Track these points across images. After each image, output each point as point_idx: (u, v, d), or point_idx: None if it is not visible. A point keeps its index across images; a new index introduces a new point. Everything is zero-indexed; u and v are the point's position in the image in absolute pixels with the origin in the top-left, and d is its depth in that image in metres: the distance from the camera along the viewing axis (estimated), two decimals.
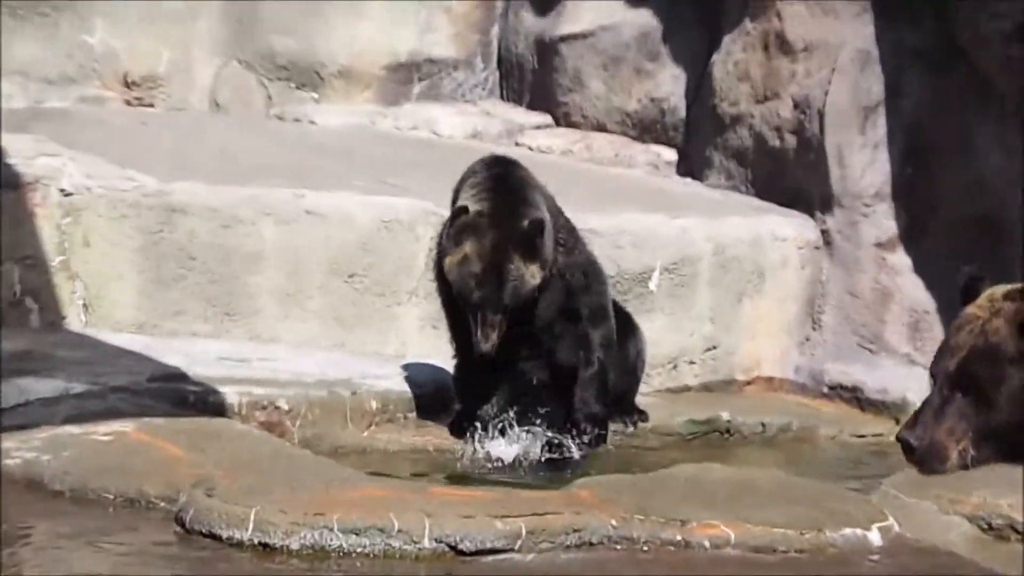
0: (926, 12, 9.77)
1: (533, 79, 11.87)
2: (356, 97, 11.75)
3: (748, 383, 9.70)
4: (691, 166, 10.98)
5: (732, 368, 9.65)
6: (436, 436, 7.97)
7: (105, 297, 8.91)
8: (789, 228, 9.87)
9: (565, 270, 7.85)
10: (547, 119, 11.74)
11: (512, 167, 7.88)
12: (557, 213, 7.93)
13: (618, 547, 6.18)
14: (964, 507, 6.67)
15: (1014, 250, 9.24)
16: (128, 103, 11.52)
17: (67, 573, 5.81)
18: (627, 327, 8.31)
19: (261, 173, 9.48)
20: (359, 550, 5.96)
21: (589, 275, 7.99)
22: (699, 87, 10.93)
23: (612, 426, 8.10)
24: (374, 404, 8.01)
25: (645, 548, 6.20)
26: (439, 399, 8.17)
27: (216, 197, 9.03)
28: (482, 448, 7.79)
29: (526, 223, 7.55)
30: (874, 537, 6.39)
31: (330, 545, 5.96)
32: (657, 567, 6.10)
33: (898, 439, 4.64)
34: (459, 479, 7.41)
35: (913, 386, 8.92)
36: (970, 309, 4.72)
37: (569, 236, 7.97)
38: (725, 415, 8.77)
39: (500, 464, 7.72)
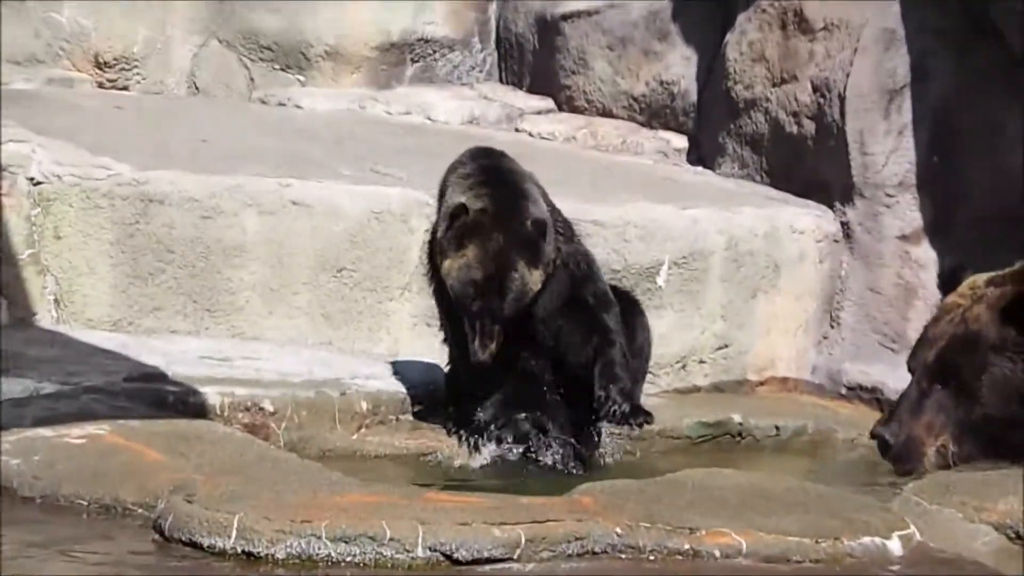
0: None
1: (534, 60, 11.94)
2: (345, 80, 11.83)
3: (761, 383, 9.77)
4: (702, 154, 11.05)
5: (745, 368, 9.73)
6: (430, 439, 8.05)
7: (78, 292, 8.98)
8: (807, 220, 9.94)
9: (568, 259, 7.97)
10: (549, 103, 11.82)
11: (500, 158, 8.01)
12: (549, 203, 8.06)
13: (623, 556, 6.21)
14: (990, 515, 6.65)
15: None
16: (100, 85, 11.59)
17: None
18: (632, 312, 8.37)
19: (243, 161, 9.54)
20: (348, 559, 6.00)
21: (589, 262, 8.11)
22: (711, 69, 10.99)
23: (615, 429, 8.19)
24: (364, 405, 8.08)
25: (651, 557, 6.24)
26: (433, 400, 8.25)
27: (195, 186, 9.09)
28: (479, 452, 7.88)
29: (529, 224, 7.67)
30: (894, 546, 6.42)
31: (318, 554, 6.00)
32: None
33: (873, 436, 4.57)
34: (454, 485, 7.47)
35: None
36: (951, 298, 4.65)
37: (565, 224, 8.09)
38: (737, 417, 8.83)
39: (499, 469, 7.80)
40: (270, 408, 7.87)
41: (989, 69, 9.72)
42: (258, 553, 6.00)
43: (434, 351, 8.42)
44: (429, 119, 11.53)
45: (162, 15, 11.71)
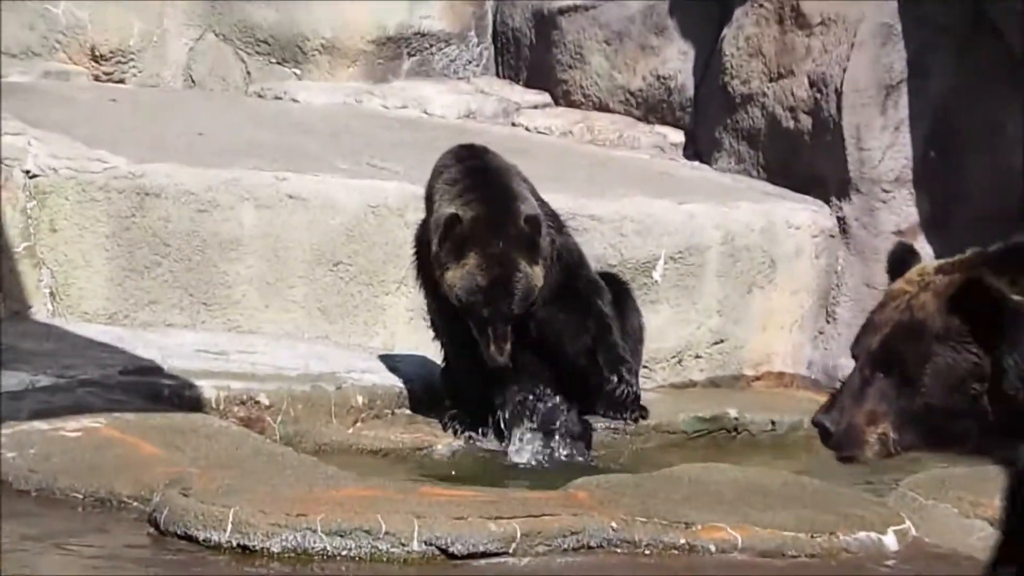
0: None
1: (531, 55, 11.94)
2: (341, 73, 11.82)
3: (757, 379, 9.78)
4: (699, 148, 11.06)
5: (741, 363, 9.74)
6: (426, 433, 8.06)
7: (73, 285, 8.98)
8: (803, 215, 9.95)
9: (562, 250, 8.03)
10: (546, 98, 11.82)
11: (486, 157, 8.04)
12: (536, 196, 8.09)
13: (619, 551, 6.24)
14: (986, 510, 6.67)
15: None
16: (96, 78, 11.58)
17: None
18: (621, 296, 8.40)
19: (240, 154, 9.55)
20: (344, 553, 6.02)
21: (578, 251, 8.18)
22: (708, 64, 11.00)
23: (610, 424, 8.22)
24: (360, 399, 8.08)
25: (647, 552, 6.26)
26: (429, 394, 8.26)
27: (191, 180, 9.10)
28: (475, 445, 7.92)
29: (523, 223, 7.71)
30: (890, 541, 6.45)
31: (313, 547, 6.02)
32: (660, 572, 6.16)
33: (814, 423, 4.52)
34: (450, 478, 7.48)
35: None
36: (898, 284, 4.57)
37: (552, 216, 8.13)
38: (732, 412, 8.83)
39: (499, 464, 7.82)
40: (266, 402, 7.87)
41: (990, 67, 9.72)
42: (253, 547, 6.02)
43: (430, 345, 8.43)
44: (425, 113, 11.53)
45: (158, 8, 11.70)
